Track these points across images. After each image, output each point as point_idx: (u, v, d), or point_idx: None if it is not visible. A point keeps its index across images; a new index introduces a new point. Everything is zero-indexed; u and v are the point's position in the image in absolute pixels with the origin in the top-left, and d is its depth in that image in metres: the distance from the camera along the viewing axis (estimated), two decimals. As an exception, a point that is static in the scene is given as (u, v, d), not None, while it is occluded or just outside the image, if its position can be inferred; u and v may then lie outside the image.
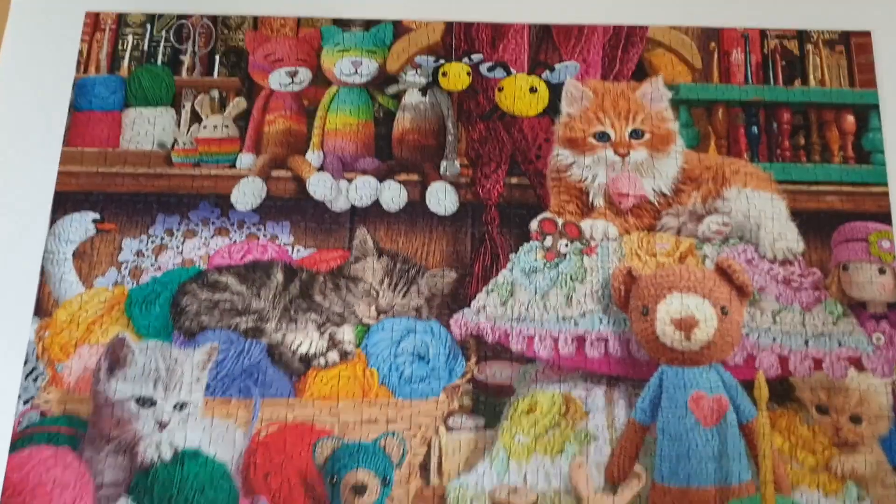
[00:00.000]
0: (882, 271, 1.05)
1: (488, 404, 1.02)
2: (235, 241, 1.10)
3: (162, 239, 1.10)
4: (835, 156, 1.12)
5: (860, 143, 1.12)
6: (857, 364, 1.01)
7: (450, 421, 1.01)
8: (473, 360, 1.04)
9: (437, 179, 1.12)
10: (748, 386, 0.97)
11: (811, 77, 1.15)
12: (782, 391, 1.01)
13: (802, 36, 1.17)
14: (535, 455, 0.99)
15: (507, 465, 0.98)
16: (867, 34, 1.15)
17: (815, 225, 1.07)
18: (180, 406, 0.97)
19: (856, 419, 0.99)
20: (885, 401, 0.99)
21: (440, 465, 0.99)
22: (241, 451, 0.98)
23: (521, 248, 1.08)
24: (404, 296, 1.06)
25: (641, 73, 1.15)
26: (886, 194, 1.08)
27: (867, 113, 1.12)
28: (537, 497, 0.97)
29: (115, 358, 0.96)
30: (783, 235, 1.06)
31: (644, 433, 0.99)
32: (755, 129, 1.13)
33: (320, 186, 1.11)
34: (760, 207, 1.07)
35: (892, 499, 0.96)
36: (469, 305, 1.05)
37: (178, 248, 1.09)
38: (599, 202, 1.09)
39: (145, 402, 0.96)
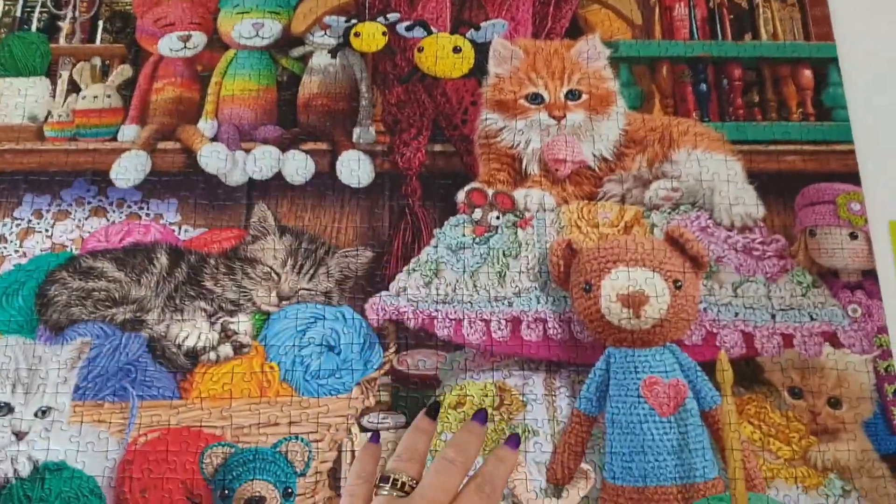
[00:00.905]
0: (854, 236, 0.93)
1: (410, 399, 0.87)
2: (114, 223, 0.95)
3: (29, 222, 0.94)
4: (793, 113, 1.00)
5: (820, 100, 1.01)
6: (833, 340, 0.88)
7: (365, 420, 0.86)
8: (393, 349, 0.89)
9: (350, 148, 0.98)
10: (709, 368, 0.84)
11: (762, 31, 1.04)
12: (749, 373, 0.88)
13: (750, -11, 1.07)
14: (465, 456, 0.84)
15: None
16: (821, -14, 1.06)
17: (776, 187, 0.95)
18: (42, 412, 0.83)
19: (835, 402, 0.86)
20: (867, 380, 0.87)
21: (354, 473, 0.83)
22: (115, 463, 0.82)
23: (446, 223, 0.94)
24: (311, 279, 0.91)
25: (576, 30, 1.04)
26: (852, 152, 0.97)
27: (826, 67, 1.01)
28: None
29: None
30: (740, 200, 0.94)
31: (591, 425, 0.85)
32: (704, 86, 1.02)
33: (213, 158, 0.96)
34: (713, 170, 0.95)
35: (881, 491, 0.82)
36: (387, 288, 0.91)
37: (47, 231, 0.93)
38: (534, 170, 0.97)
39: (0, 408, 0.82)
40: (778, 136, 0.98)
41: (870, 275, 0.91)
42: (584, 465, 0.84)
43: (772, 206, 0.94)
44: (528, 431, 0.85)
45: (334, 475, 0.84)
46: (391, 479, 0.66)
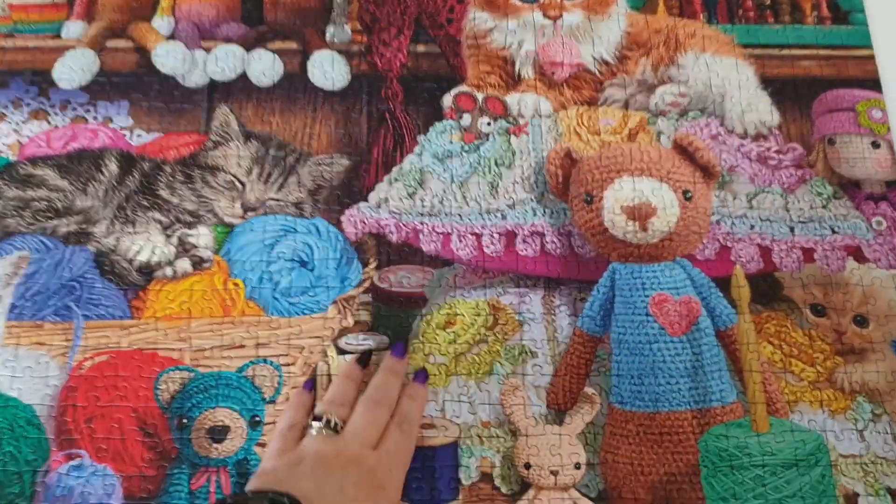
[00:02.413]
0: (876, 145, 0.85)
1: (393, 319, 0.78)
2: (56, 127, 0.84)
3: (-42, 127, 0.83)
4: (807, 16, 0.92)
5: (835, 2, 0.93)
6: (857, 254, 0.80)
7: (342, 342, 0.76)
8: (373, 264, 0.79)
9: (322, 48, 0.88)
10: (724, 285, 0.76)
11: (774, -72, 0.96)
12: (767, 289, 0.80)
13: None
14: (455, 379, 0.75)
15: (418, 395, 0.74)
16: None
17: (791, 94, 0.87)
18: (-28, 335, 0.72)
19: (860, 321, 0.78)
20: (895, 296, 0.79)
21: (330, 400, 0.74)
22: (56, 390, 0.72)
23: (431, 129, 0.85)
24: (280, 188, 0.81)
25: (572, -74, 0.95)
26: (872, 58, 0.89)
27: (842, -32, 0.94)
28: (460, 432, 0.73)
29: None
30: (753, 106, 0.86)
31: (595, 346, 0.76)
32: (712, -14, 0.93)
33: (170, 58, 0.86)
34: (724, 75, 0.87)
35: (914, 414, 0.75)
36: (366, 199, 0.82)
37: (-22, 136, 0.83)
38: (528, 73, 0.87)
39: (-78, 330, 0.71)
40: (791, 40, 0.90)
41: (894, 185, 0.84)
42: (587, 389, 0.75)
43: (787, 114, 0.86)
44: (526, 353, 0.76)
45: (309, 402, 0.74)
46: (323, 419, 0.66)
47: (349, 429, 0.65)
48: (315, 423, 0.66)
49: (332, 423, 0.65)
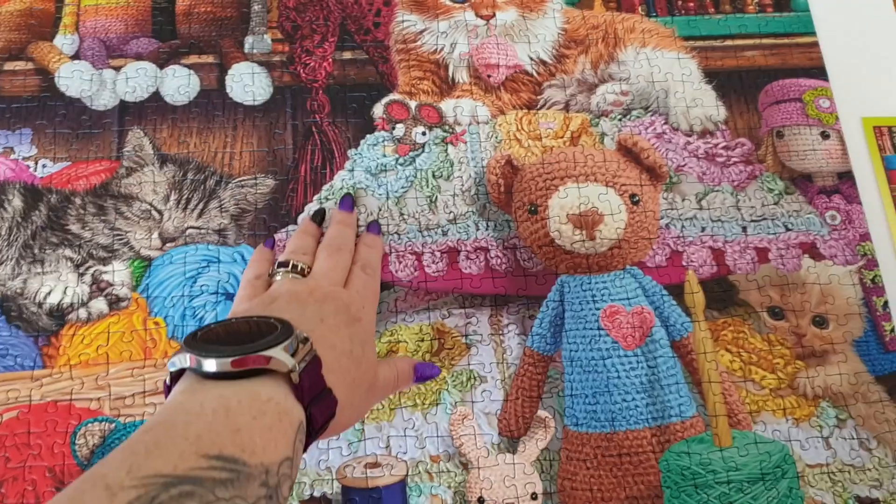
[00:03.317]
0: (825, 135, 0.82)
1: (330, 351, 0.73)
2: (-51, 160, 0.77)
3: None
4: (748, 4, 0.88)
5: (776, -11, 0.90)
6: (812, 251, 0.77)
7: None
8: (304, 293, 0.74)
9: (241, 60, 0.82)
10: (677, 292, 0.73)
11: (709, -85, 0.92)
12: (722, 294, 0.76)
13: None
14: (400, 412, 0.70)
15: (361, 431, 0.69)
16: None
17: (736, 86, 0.84)
18: None
19: (820, 321, 0.75)
20: (854, 293, 0.76)
21: (266, 443, 0.69)
22: (-39, 454, 0.65)
23: (362, 142, 0.79)
24: (200, 215, 0.75)
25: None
26: (816, 45, 0.86)
27: (780, -47, 0.90)
28: (407, 469, 0.69)
29: None
30: (698, 101, 0.82)
31: (547, 366, 0.72)
32: (648, -23, 0.89)
33: (75, 79, 0.79)
34: (666, 69, 0.83)
35: (879, 417, 0.72)
36: (295, 221, 0.76)
37: None
38: (462, 77, 0.83)
39: None
40: (733, 30, 0.86)
41: (846, 177, 0.81)
42: (541, 413, 0.71)
43: (733, 107, 0.83)
44: (475, 378, 0.72)
45: (243, 447, 0.69)
46: (290, 264, 0.64)
47: (316, 271, 0.64)
48: (281, 269, 0.64)
49: (299, 268, 0.64)
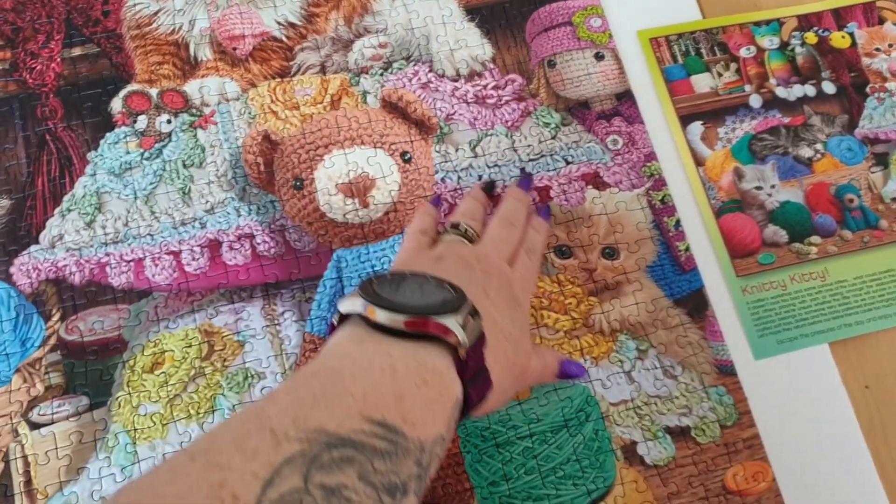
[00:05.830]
0: (599, 56, 0.78)
1: (91, 374, 0.66)
2: None
3: None
4: (506, -69, 0.84)
5: None
6: (596, 181, 0.74)
7: (35, 414, 0.64)
8: (56, 316, 0.67)
9: (-45, 73, 0.74)
10: (460, 247, 0.68)
11: None
12: (506, 241, 0.73)
13: None
14: (174, 427, 0.65)
15: (134, 454, 0.64)
16: None
17: (501, 19, 0.79)
18: None
19: (610, 252, 0.72)
20: (644, 217, 0.73)
21: (29, 482, 0.62)
22: None
23: (102, 142, 0.72)
24: (-71, 251, 0.68)
25: None
26: (581, -38, 0.82)
27: None
28: (181, 488, 0.64)
29: None
30: (462, 42, 0.77)
31: (328, 349, 0.68)
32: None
33: None
34: (425, 14, 0.78)
35: (681, 341, 0.69)
36: (37, 240, 0.69)
37: None
38: (206, 54, 0.76)
39: None
40: (493, -40, 0.82)
41: (626, 97, 0.77)
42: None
43: (500, 43, 0.78)
44: (252, 376, 0.67)
45: (4, 491, 0.63)
46: (461, 226, 0.62)
47: (487, 239, 0.62)
48: (452, 229, 0.62)
49: (469, 232, 0.62)
